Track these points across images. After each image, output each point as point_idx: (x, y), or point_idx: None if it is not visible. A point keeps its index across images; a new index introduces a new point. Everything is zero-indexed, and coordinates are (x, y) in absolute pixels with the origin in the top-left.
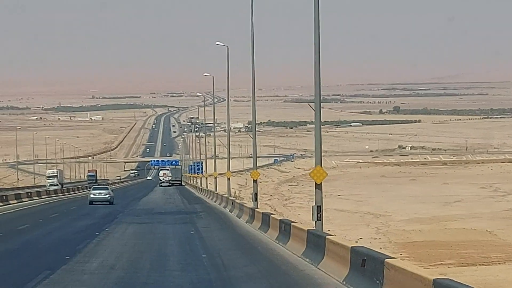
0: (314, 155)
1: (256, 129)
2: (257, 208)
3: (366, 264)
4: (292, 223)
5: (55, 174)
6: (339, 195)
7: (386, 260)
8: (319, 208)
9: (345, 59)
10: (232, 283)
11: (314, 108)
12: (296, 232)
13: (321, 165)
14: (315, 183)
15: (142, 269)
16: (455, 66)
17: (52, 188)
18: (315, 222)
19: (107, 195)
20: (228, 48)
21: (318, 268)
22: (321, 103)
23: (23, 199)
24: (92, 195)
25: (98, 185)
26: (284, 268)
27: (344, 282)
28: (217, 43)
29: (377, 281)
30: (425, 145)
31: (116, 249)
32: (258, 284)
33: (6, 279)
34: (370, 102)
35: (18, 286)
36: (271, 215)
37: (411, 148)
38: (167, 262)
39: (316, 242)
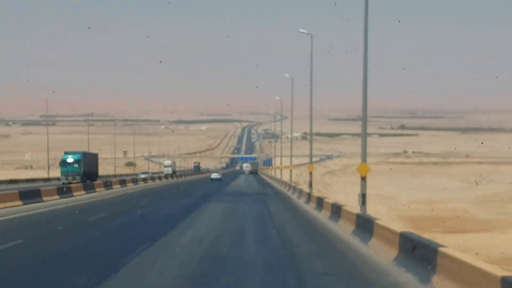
0: (361, 153)
1: (310, 138)
2: (312, 192)
3: (416, 250)
4: (343, 206)
5: (170, 165)
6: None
7: (440, 249)
8: (363, 196)
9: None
10: (298, 261)
11: (362, 119)
12: (346, 215)
13: (365, 162)
14: (361, 176)
15: (224, 243)
16: None
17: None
18: (360, 206)
19: (219, 176)
20: (292, 80)
21: (368, 247)
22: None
23: (148, 181)
24: (212, 176)
25: (214, 170)
26: (339, 246)
27: (394, 262)
28: (286, 75)
29: (429, 267)
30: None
31: (207, 224)
32: (321, 261)
33: (114, 247)
34: None
35: (121, 254)
36: (324, 199)
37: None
38: (245, 237)
39: (364, 225)
